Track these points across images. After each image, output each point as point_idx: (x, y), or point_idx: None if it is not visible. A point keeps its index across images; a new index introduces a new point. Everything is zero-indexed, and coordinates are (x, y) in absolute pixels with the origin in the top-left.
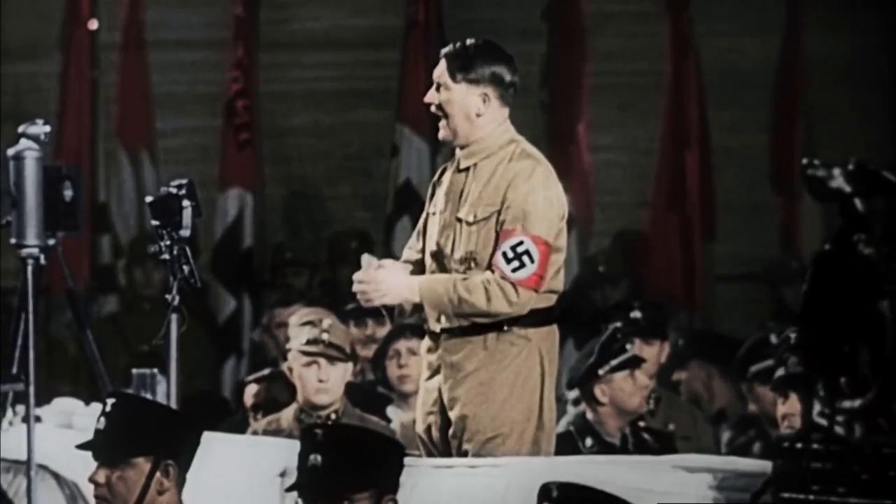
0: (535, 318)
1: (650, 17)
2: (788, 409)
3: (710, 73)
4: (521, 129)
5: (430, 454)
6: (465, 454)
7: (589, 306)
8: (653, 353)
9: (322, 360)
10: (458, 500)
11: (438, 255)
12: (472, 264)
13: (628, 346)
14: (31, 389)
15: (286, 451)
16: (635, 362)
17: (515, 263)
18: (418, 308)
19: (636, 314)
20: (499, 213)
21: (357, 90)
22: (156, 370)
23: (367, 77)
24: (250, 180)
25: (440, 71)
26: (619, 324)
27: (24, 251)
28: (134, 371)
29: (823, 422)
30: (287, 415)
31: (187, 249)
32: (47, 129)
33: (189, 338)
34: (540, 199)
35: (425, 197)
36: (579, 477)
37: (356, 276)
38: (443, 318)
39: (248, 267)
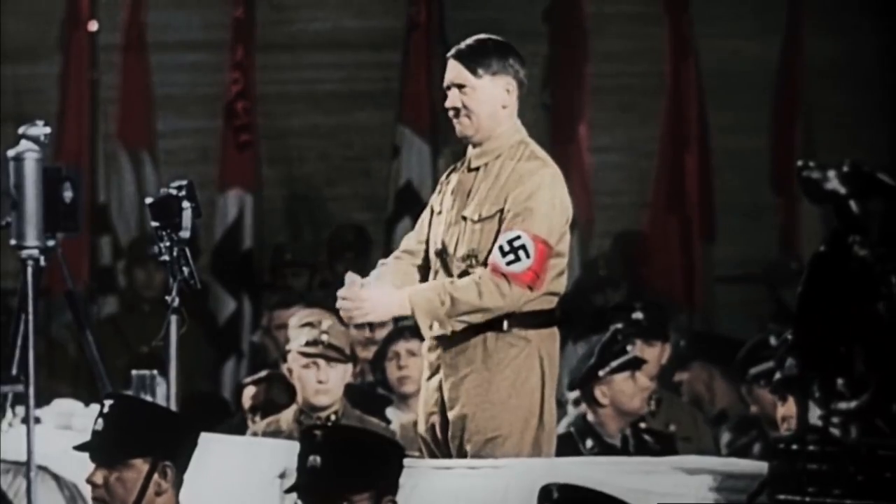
0: (536, 320)
1: (650, 19)
2: (787, 411)
3: (709, 75)
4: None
5: (432, 454)
6: (465, 454)
7: (590, 308)
8: (654, 354)
9: (321, 362)
10: (457, 501)
11: (442, 254)
12: (474, 262)
13: (629, 348)
14: (31, 390)
15: (285, 453)
16: (636, 363)
17: (511, 257)
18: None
19: (638, 315)
20: (502, 211)
21: (357, 91)
22: (155, 371)
23: (368, 78)
24: (250, 181)
25: (455, 72)
26: (620, 325)
27: (24, 252)
28: (134, 372)
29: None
30: (287, 416)
31: (187, 251)
32: (47, 130)
33: (189, 339)
34: (543, 199)
35: (426, 198)
36: (579, 478)
37: (340, 294)
38: (436, 326)
39: (248, 268)
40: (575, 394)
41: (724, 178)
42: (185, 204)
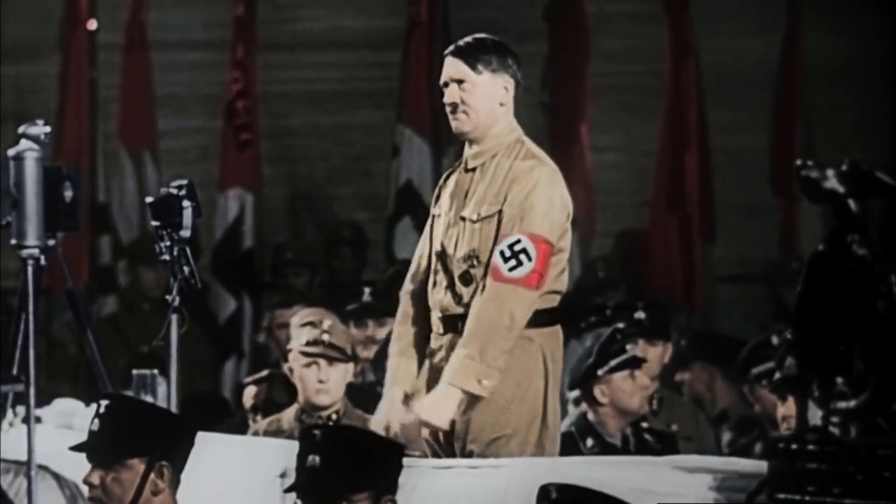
0: (538, 319)
1: (650, 18)
2: (787, 410)
3: (709, 74)
4: (521, 129)
5: (436, 456)
6: (469, 455)
7: (591, 306)
8: (656, 353)
9: (322, 361)
10: (457, 500)
11: (442, 255)
12: (475, 262)
13: (628, 347)
14: (32, 390)
15: (286, 452)
16: (635, 363)
17: (512, 262)
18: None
19: (640, 315)
20: (500, 212)
21: (358, 91)
22: (156, 371)
23: (369, 78)
24: (251, 181)
25: (454, 68)
26: (622, 324)
27: (25, 252)
28: (134, 372)
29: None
30: (288, 415)
31: (187, 250)
32: (48, 129)
33: (189, 338)
34: (541, 198)
35: (426, 197)
36: (580, 478)
37: (393, 419)
38: (441, 339)
39: (249, 267)
40: (576, 393)
41: (724, 177)
42: (186, 203)
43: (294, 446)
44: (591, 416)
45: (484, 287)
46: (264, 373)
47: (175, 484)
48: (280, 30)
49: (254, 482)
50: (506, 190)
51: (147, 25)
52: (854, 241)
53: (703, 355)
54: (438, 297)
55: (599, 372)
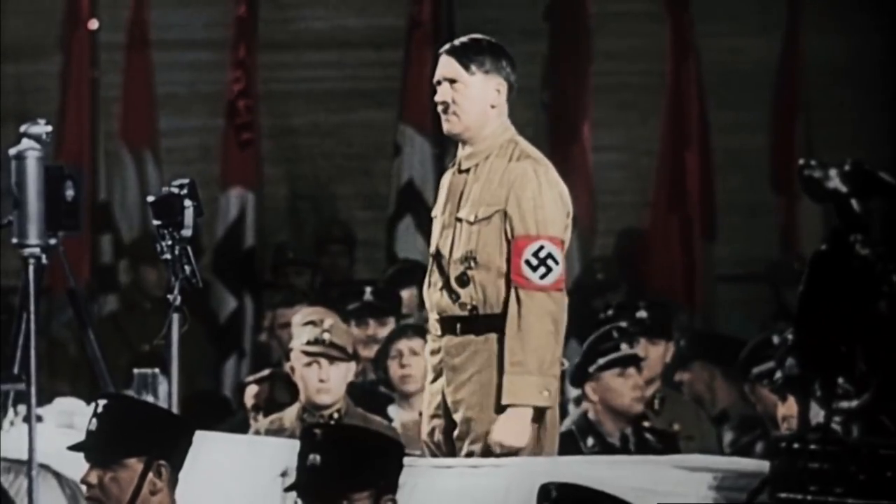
0: None
1: (651, 18)
2: (787, 410)
3: (710, 74)
4: (521, 129)
5: (434, 458)
6: (470, 455)
7: (593, 307)
8: (658, 352)
9: (323, 361)
10: (457, 500)
11: (437, 257)
12: (473, 263)
13: (623, 346)
14: (33, 389)
15: (287, 451)
16: (625, 361)
17: (542, 270)
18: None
19: (642, 314)
20: (503, 214)
21: (359, 90)
22: (157, 370)
23: (370, 77)
24: (252, 180)
25: (448, 67)
26: (624, 323)
27: (26, 251)
28: (135, 371)
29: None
30: (290, 414)
31: (189, 249)
32: (49, 128)
33: (190, 338)
34: (547, 200)
35: (428, 197)
36: (580, 477)
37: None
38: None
39: (250, 266)
40: (577, 392)
41: (724, 177)
42: (187, 202)
43: (295, 445)
44: (591, 415)
45: (484, 287)
46: (266, 372)
47: (173, 483)
48: (281, 29)
49: (254, 481)
50: (505, 191)
51: (148, 25)
52: (857, 240)
53: (703, 355)
54: (435, 299)
55: (590, 369)
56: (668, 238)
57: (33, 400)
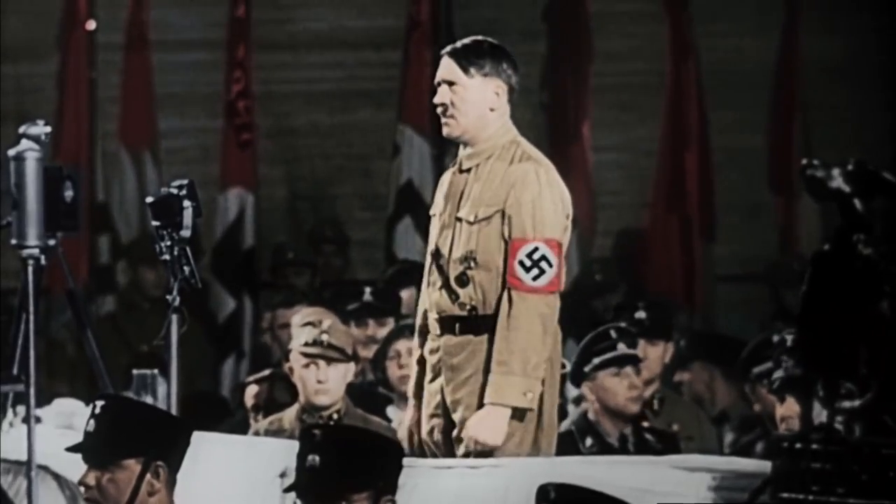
0: None
1: (650, 18)
2: (786, 411)
3: (709, 74)
4: (521, 129)
5: (433, 457)
6: (468, 455)
7: (592, 308)
8: (657, 353)
9: (321, 362)
10: (457, 500)
11: (436, 256)
12: (472, 264)
13: (620, 346)
14: (32, 390)
15: (286, 452)
16: (620, 361)
17: (535, 271)
18: None
19: (641, 314)
20: (502, 214)
21: (358, 90)
22: (156, 371)
23: (369, 77)
24: (251, 180)
25: (447, 70)
26: (623, 324)
27: (25, 252)
28: (134, 371)
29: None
30: (289, 415)
31: (188, 250)
32: (48, 129)
33: (189, 338)
34: (546, 202)
35: (427, 197)
36: (579, 477)
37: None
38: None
39: (249, 267)
40: (577, 392)
41: (724, 176)
42: (186, 203)
43: (294, 446)
44: (590, 415)
45: (484, 287)
46: (266, 372)
47: (171, 484)
48: (280, 29)
49: (253, 482)
50: (505, 192)
51: (147, 25)
52: (859, 240)
53: (703, 355)
54: (434, 298)
55: (585, 369)
56: (668, 238)
57: (32, 401)
